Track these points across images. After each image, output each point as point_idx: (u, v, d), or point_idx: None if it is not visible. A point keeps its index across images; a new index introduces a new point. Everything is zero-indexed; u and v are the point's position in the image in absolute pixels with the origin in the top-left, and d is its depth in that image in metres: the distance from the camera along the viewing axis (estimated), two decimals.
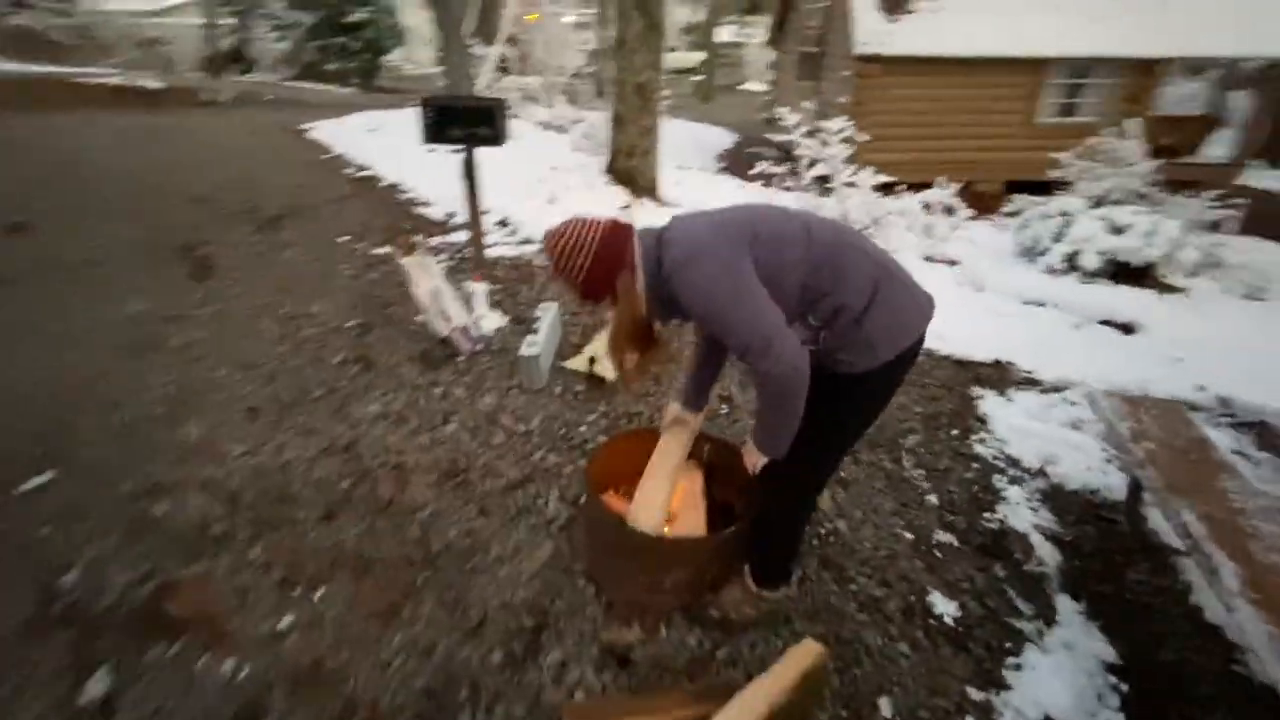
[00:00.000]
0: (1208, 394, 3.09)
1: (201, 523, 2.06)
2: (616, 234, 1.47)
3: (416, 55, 23.44)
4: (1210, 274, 4.38)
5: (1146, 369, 3.34)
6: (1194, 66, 10.00)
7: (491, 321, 3.41)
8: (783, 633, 1.80)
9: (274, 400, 2.72)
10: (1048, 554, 2.17)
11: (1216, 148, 9.47)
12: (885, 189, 4.79)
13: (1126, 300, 3.85)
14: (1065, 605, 1.98)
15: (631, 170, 5.37)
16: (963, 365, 3.41)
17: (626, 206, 5.10)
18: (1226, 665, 1.79)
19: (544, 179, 5.58)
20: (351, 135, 8.54)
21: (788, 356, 1.34)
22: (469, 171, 3.29)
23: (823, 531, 2.19)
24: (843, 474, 2.47)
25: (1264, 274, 4.63)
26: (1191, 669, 1.77)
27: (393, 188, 6.15)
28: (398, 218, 5.23)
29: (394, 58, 20.36)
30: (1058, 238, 4.32)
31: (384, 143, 7.75)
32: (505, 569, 1.97)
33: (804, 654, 1.61)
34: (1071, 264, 4.20)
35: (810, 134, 4.76)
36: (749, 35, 26.49)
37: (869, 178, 4.46)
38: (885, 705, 1.63)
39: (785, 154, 9.69)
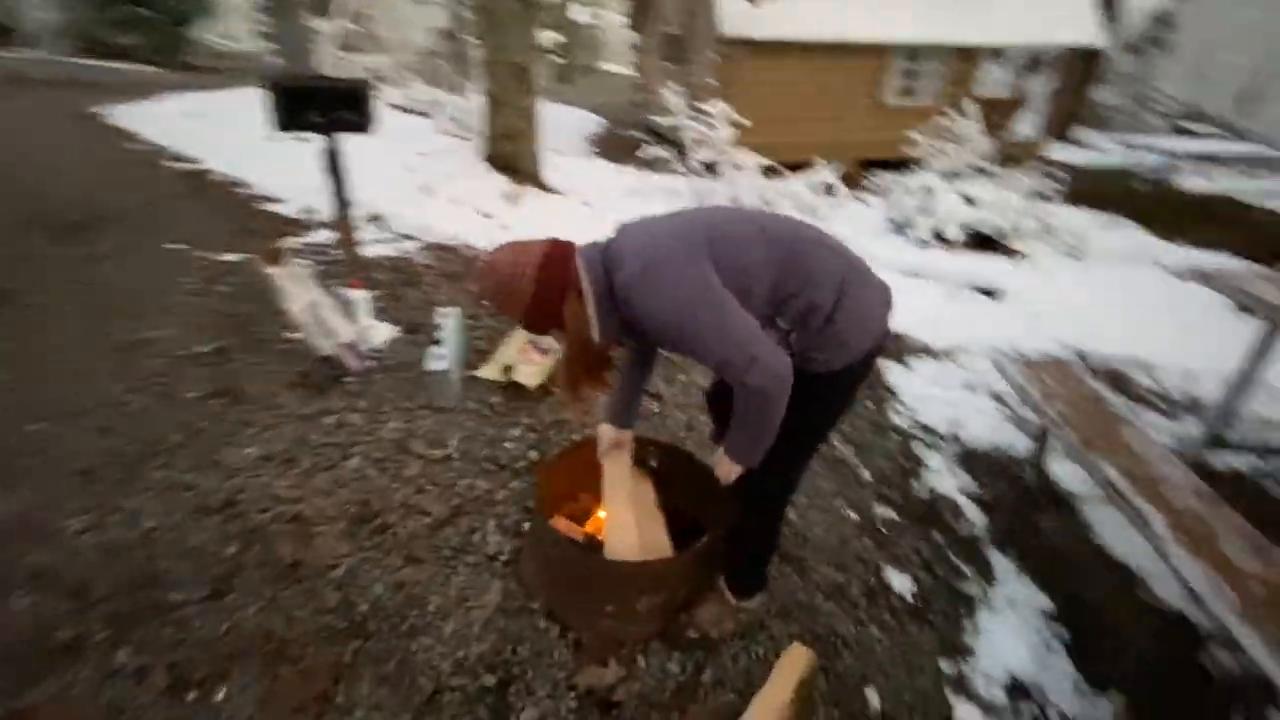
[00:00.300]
0: (1068, 350, 3.49)
1: (41, 629, 1.60)
2: (556, 255, 1.31)
3: (230, 29, 20.70)
4: (1044, 240, 4.97)
5: (1014, 330, 3.71)
6: (1000, 53, 11.33)
7: (380, 333, 3.03)
8: (761, 639, 1.74)
9: (115, 455, 2.20)
10: (974, 515, 2.31)
11: (1024, 126, 10.86)
12: (768, 171, 4.91)
13: (986, 267, 4.26)
14: (999, 562, 2.12)
15: (512, 155, 5.04)
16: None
17: (511, 196, 4.79)
18: (1135, 596, 2.00)
19: (413, 167, 5.10)
20: (167, 121, 7.30)
21: (772, 365, 1.24)
22: (333, 162, 2.88)
23: None
24: None
25: (1081, 237, 5.35)
26: (1112, 605, 1.96)
27: (230, 183, 5.30)
28: (243, 219, 4.51)
29: (202, 31, 17.79)
30: (923, 212, 4.69)
31: (210, 130, 6.70)
32: (451, 622, 1.73)
33: (794, 661, 1.57)
34: (938, 236, 4.58)
35: (694, 116, 4.75)
36: (604, 15, 26.29)
37: (752, 160, 4.54)
38: (872, 696, 1.63)
39: (660, 137, 9.74)
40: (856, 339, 1.38)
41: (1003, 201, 4.57)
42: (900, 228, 4.87)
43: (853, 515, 2.26)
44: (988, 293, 4.01)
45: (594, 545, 1.90)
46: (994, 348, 3.43)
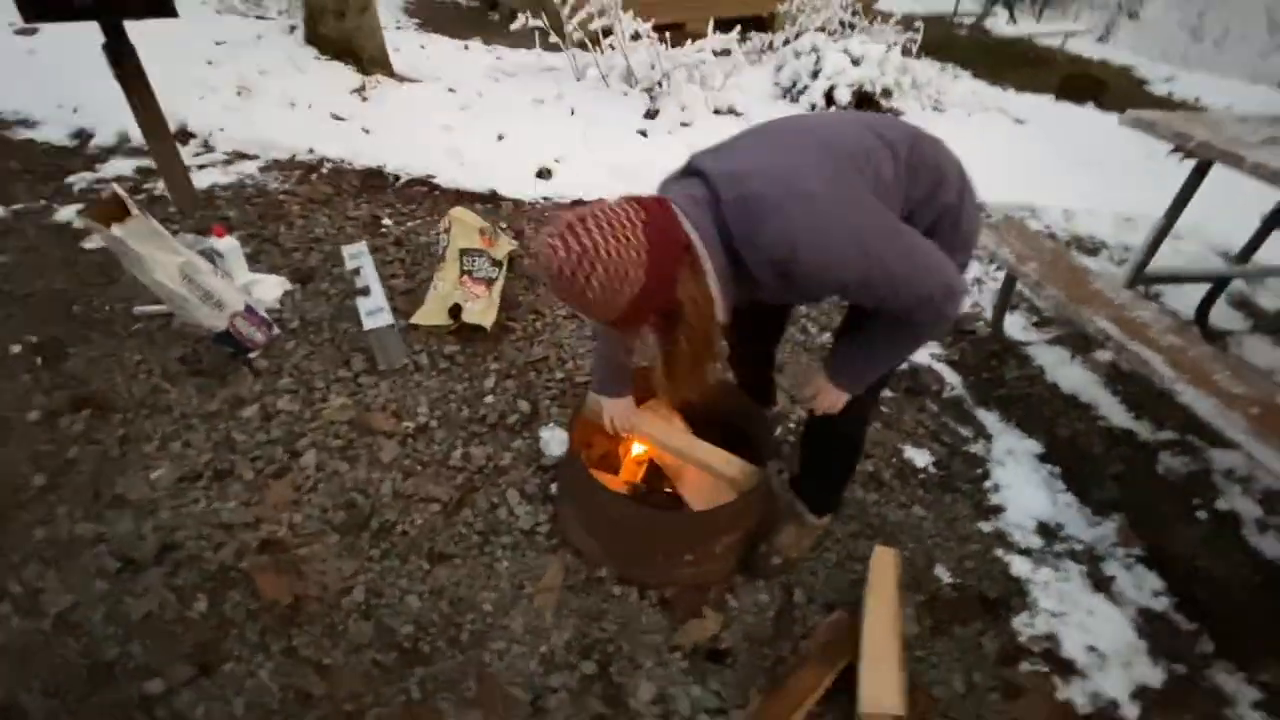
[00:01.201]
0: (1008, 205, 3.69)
1: None
2: (662, 225, 0.99)
3: None
4: (914, 94, 5.14)
5: None
6: None
7: (270, 289, 2.41)
8: (830, 545, 1.74)
9: None
10: (952, 378, 2.45)
11: None
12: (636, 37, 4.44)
13: None
14: (986, 418, 2.28)
15: (347, 35, 4.03)
16: None
17: (361, 90, 3.92)
18: (1095, 424, 2.28)
19: (216, 60, 3.93)
20: None
21: (960, 288, 1.09)
22: (123, 60, 2.10)
23: (791, 424, 2.13)
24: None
25: (939, 89, 5.60)
26: (1083, 437, 2.21)
27: None
28: None
29: None
30: (815, 74, 4.58)
31: None
32: (518, 617, 1.52)
33: (883, 564, 1.59)
34: (829, 99, 4.53)
35: None
36: None
37: (644, 26, 4.06)
38: (942, 573, 1.72)
39: (492, 4, 8.44)
40: (973, 238, 1.26)
41: (883, 58, 4.58)
42: (788, 92, 4.75)
43: None
44: None
45: (645, 495, 1.75)
46: None
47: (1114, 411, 2.32)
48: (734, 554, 1.63)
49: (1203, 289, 2.73)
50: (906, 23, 6.56)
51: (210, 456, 1.80)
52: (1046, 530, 1.86)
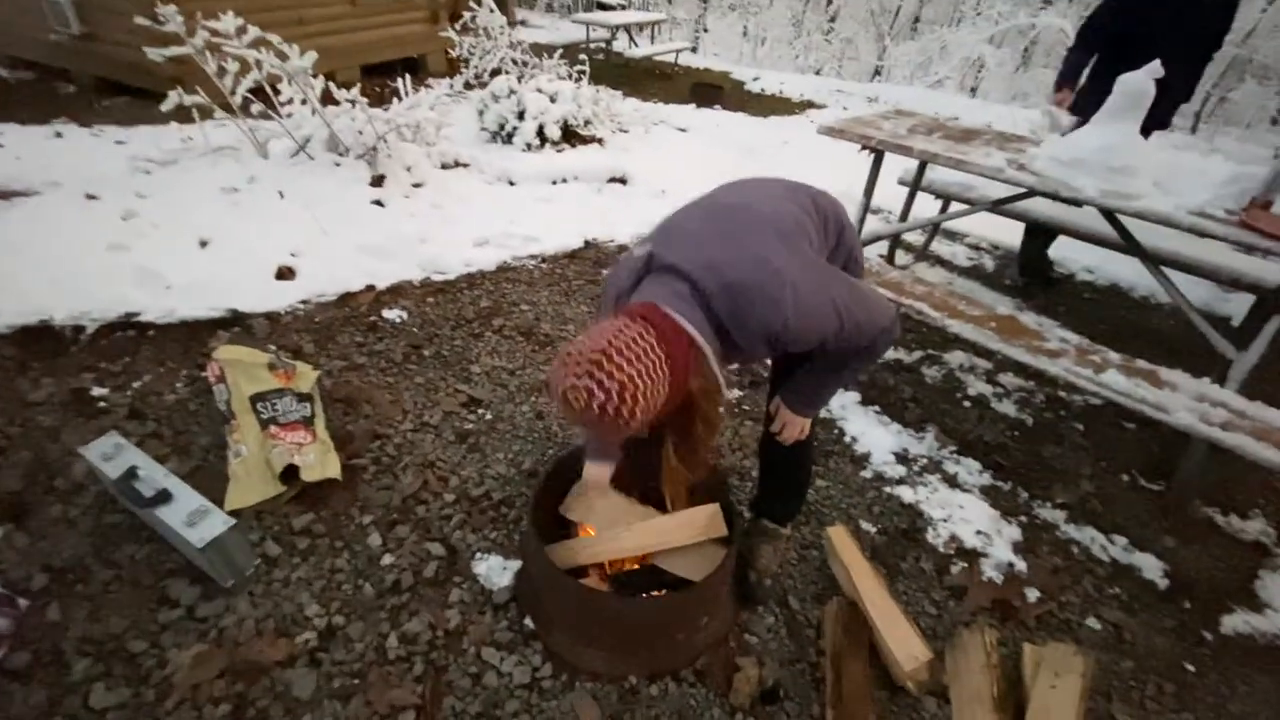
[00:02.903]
0: None
1: None
2: (669, 335, 1.03)
3: None
4: (603, 122, 5.61)
5: (665, 209, 4.27)
6: None
7: None
8: (787, 546, 1.91)
9: None
10: None
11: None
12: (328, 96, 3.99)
13: (596, 158, 4.64)
14: None
15: None
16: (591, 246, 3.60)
17: None
18: (879, 363, 2.89)
19: None
20: None
21: (894, 310, 1.28)
22: None
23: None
24: None
25: (620, 113, 6.22)
26: (877, 376, 2.79)
27: None
28: None
29: None
30: (520, 115, 4.67)
31: None
32: None
33: (842, 540, 1.83)
34: (541, 136, 4.68)
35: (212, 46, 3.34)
36: None
37: (309, 87, 3.60)
38: (867, 525, 2.03)
39: (61, 72, 6.52)
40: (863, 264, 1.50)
41: (575, 93, 4.91)
42: (497, 135, 4.77)
43: None
44: (622, 181, 4.45)
45: (629, 576, 1.69)
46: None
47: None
48: (731, 593, 1.68)
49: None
50: (552, 52, 7.08)
51: None
52: (902, 458, 2.33)
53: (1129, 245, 2.55)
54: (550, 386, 0.99)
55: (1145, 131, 2.28)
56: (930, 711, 1.51)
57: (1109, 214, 2.47)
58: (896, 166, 3.21)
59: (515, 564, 1.75)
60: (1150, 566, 1.97)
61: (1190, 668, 1.69)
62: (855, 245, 1.42)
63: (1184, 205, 2.09)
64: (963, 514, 2.09)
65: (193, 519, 1.55)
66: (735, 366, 1.71)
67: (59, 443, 1.95)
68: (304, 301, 2.82)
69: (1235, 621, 1.82)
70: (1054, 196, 2.30)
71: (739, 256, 1.12)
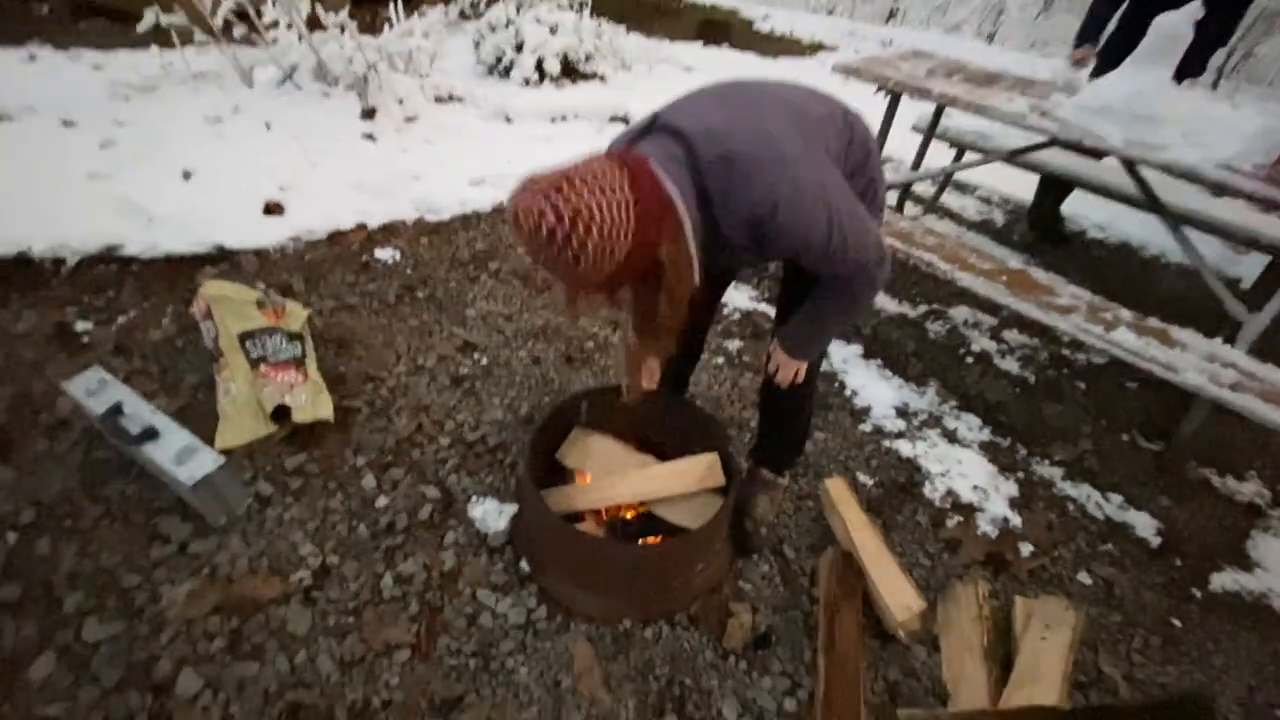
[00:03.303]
0: None
1: None
2: (645, 184, 0.96)
3: None
4: (605, 58, 5.35)
5: None
6: None
7: None
8: (784, 497, 1.91)
9: None
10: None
11: None
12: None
13: (597, 96, 4.44)
14: None
15: None
16: None
17: None
18: (882, 316, 2.84)
19: None
20: None
21: (888, 254, 1.22)
22: None
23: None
24: None
25: (623, 49, 5.94)
26: (881, 330, 2.75)
27: None
28: None
29: None
30: (518, 47, 4.45)
31: None
32: (574, 716, 1.36)
33: (840, 491, 1.81)
34: (540, 70, 4.47)
35: None
36: None
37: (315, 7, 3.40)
38: (864, 478, 2.02)
39: None
40: (884, 208, 1.42)
41: (577, 25, 4.66)
42: (494, 69, 4.54)
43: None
44: (625, 120, 4.28)
45: (627, 524, 1.68)
46: None
47: (886, 303, 2.92)
48: (727, 541, 1.68)
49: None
50: None
51: None
52: (902, 412, 2.31)
53: (1149, 200, 2.46)
54: (507, 210, 0.93)
55: (1178, 77, 2.17)
56: (920, 660, 1.53)
57: (1131, 166, 2.38)
58: (910, 115, 3.07)
59: (511, 508, 1.74)
60: (1144, 524, 1.98)
61: (1177, 623, 1.71)
62: (878, 180, 1.34)
63: (1211, 158, 2.01)
64: (960, 469, 2.08)
65: (181, 457, 1.52)
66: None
67: (42, 377, 1.90)
68: (293, 239, 2.73)
69: (1224, 579, 1.84)
70: (1076, 146, 2.20)
71: (746, 129, 1.05)
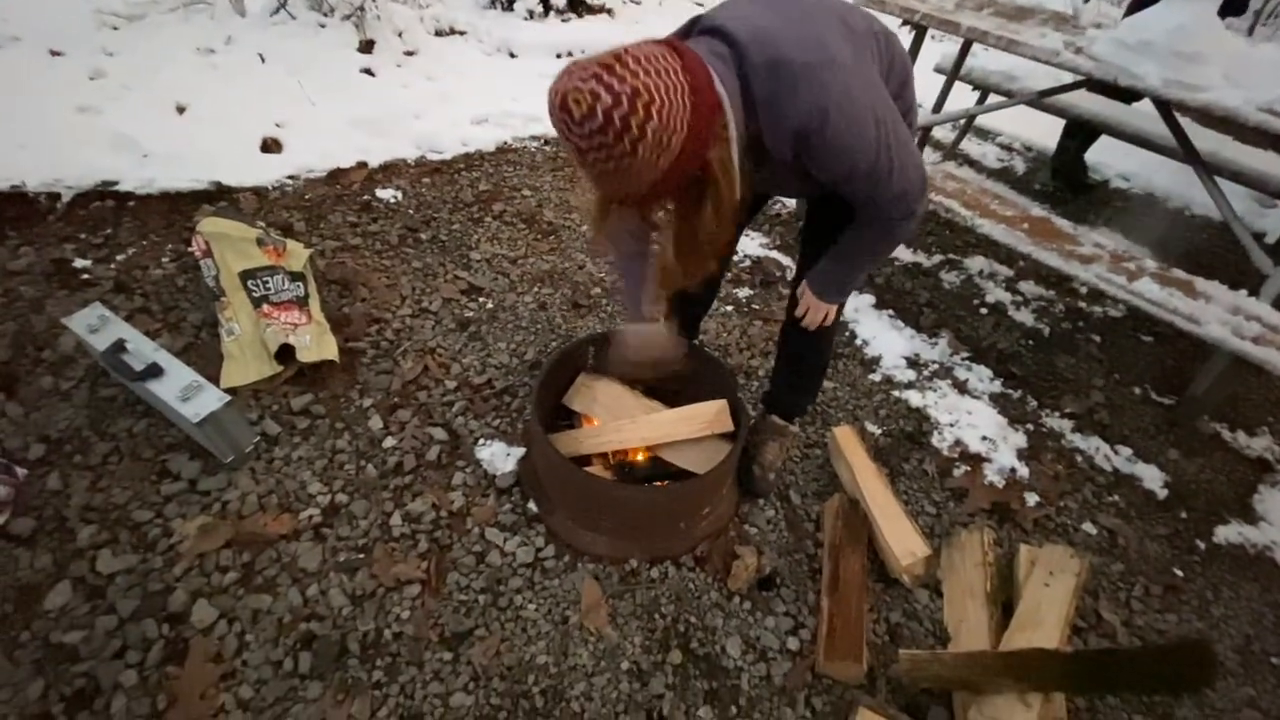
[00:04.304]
0: None
1: None
2: (698, 73, 0.87)
3: None
4: None
5: None
6: None
7: None
8: (791, 444, 1.90)
9: None
10: (786, 261, 2.73)
11: None
12: None
13: (605, 30, 4.25)
14: None
15: None
16: None
17: None
18: (895, 265, 2.77)
19: None
20: None
21: (928, 186, 1.16)
22: None
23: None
24: None
25: None
26: (895, 279, 2.69)
27: None
28: None
29: None
30: None
31: None
32: (580, 651, 1.39)
33: (848, 439, 1.81)
34: (545, 5, 4.26)
35: None
36: None
37: None
38: (872, 427, 2.01)
39: None
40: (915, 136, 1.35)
41: None
42: (497, 0, 4.33)
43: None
44: None
45: (634, 466, 1.67)
46: None
47: (900, 251, 2.85)
48: (734, 485, 1.68)
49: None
50: None
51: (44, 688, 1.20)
52: (913, 362, 2.28)
53: (1182, 147, 2.36)
54: (550, 100, 0.83)
55: (1221, 14, 2.04)
56: (923, 603, 1.55)
57: (1165, 110, 2.27)
58: (932, 56, 2.92)
59: (518, 451, 1.73)
60: (1151, 477, 1.98)
61: (1179, 573, 1.73)
62: (912, 110, 1.27)
63: (1254, 100, 1.90)
64: (970, 420, 2.06)
65: (186, 394, 1.51)
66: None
67: (44, 314, 1.87)
68: (292, 177, 2.65)
69: (1228, 532, 1.85)
70: (1110, 86, 2.09)
71: (797, 34, 0.97)
